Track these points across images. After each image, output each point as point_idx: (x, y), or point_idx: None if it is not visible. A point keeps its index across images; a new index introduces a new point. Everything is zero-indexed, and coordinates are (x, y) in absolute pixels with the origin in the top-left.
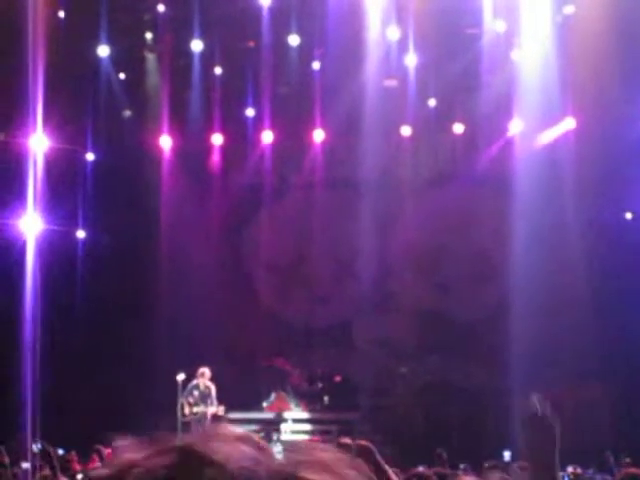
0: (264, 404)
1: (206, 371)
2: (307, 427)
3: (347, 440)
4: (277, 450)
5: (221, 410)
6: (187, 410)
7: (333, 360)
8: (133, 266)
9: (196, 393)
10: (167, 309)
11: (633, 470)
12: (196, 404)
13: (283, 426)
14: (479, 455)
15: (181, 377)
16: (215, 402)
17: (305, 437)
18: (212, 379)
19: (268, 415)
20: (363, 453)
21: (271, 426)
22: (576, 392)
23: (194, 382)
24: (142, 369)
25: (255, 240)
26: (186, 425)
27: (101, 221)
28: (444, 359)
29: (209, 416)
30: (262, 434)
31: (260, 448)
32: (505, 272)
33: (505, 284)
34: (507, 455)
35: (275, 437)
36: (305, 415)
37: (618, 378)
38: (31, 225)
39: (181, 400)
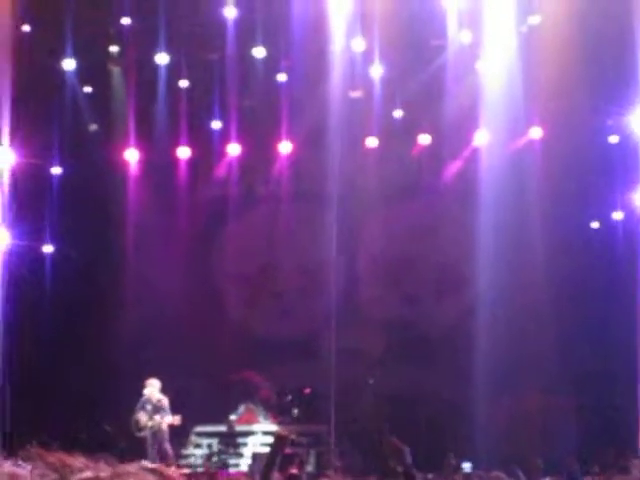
0: (232, 417)
1: (155, 382)
2: None
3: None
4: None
5: (177, 420)
6: (142, 424)
7: (301, 372)
8: (100, 280)
9: (149, 407)
10: (134, 323)
11: None
12: (150, 417)
13: (251, 439)
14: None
15: (149, 391)
16: (169, 413)
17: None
18: (163, 391)
19: (235, 429)
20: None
21: (232, 439)
22: (543, 402)
23: (145, 396)
24: (109, 383)
25: (222, 253)
26: (142, 439)
27: (68, 235)
28: (411, 369)
29: (165, 427)
30: (221, 447)
31: None
32: (471, 282)
33: (471, 294)
34: (467, 466)
35: (232, 450)
36: (274, 428)
37: (584, 387)
38: None
39: (135, 416)
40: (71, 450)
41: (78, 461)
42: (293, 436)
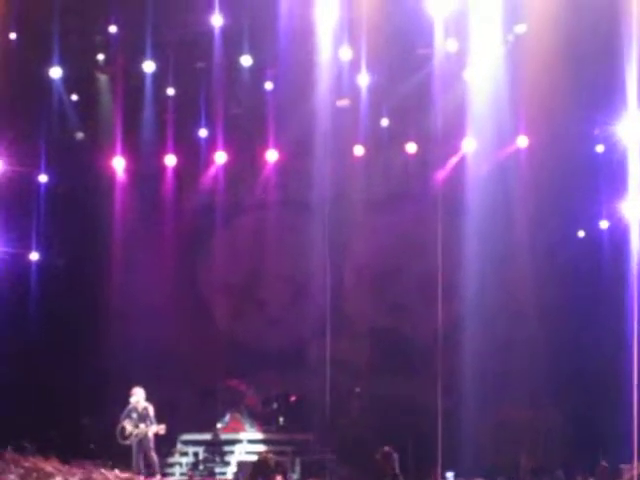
0: (218, 425)
1: (140, 391)
2: (262, 448)
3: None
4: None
5: (162, 429)
6: (127, 432)
7: (288, 381)
8: (86, 287)
9: (134, 415)
10: (122, 332)
11: None
12: (136, 426)
13: (237, 447)
14: (430, 475)
15: (135, 399)
16: (154, 421)
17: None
18: (149, 399)
19: (221, 437)
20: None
21: (218, 447)
22: (530, 412)
23: (131, 404)
24: (97, 392)
25: (209, 261)
26: (128, 447)
27: (55, 243)
28: (398, 379)
29: (150, 436)
30: (207, 455)
31: None
32: (459, 292)
33: (459, 304)
34: (450, 475)
35: (218, 458)
36: (260, 436)
37: (570, 399)
38: None
39: (120, 424)
40: (47, 454)
41: (51, 465)
42: (274, 459)
